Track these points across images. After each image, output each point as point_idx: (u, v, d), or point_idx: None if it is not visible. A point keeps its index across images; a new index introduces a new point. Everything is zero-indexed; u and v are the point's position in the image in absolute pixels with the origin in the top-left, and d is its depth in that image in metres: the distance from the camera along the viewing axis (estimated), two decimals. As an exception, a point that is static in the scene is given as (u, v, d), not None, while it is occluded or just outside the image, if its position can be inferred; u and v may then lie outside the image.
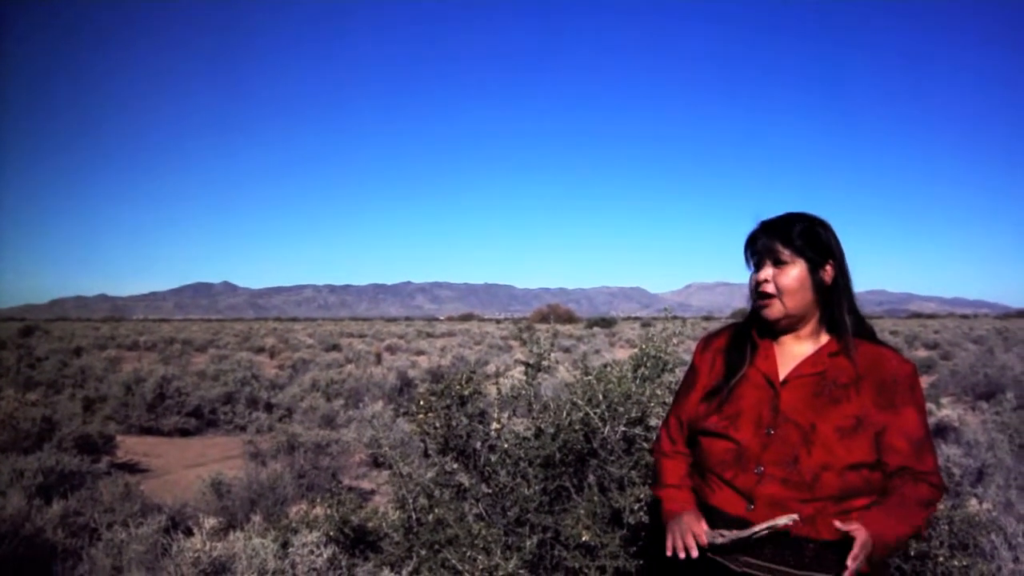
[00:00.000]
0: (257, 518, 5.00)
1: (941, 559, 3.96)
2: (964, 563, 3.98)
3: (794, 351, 2.55)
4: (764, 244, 2.53)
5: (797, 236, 2.50)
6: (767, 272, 2.52)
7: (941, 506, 4.15)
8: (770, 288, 2.50)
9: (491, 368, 17.84)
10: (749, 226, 2.63)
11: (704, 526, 2.41)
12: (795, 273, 2.48)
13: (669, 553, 2.42)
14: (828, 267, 2.53)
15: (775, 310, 2.51)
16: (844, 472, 2.31)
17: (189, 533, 4.53)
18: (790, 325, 2.55)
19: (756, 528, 2.28)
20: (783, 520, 2.24)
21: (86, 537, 5.78)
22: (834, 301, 2.54)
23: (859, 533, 2.20)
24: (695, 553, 2.36)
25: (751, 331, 2.65)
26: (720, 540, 2.34)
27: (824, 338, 2.56)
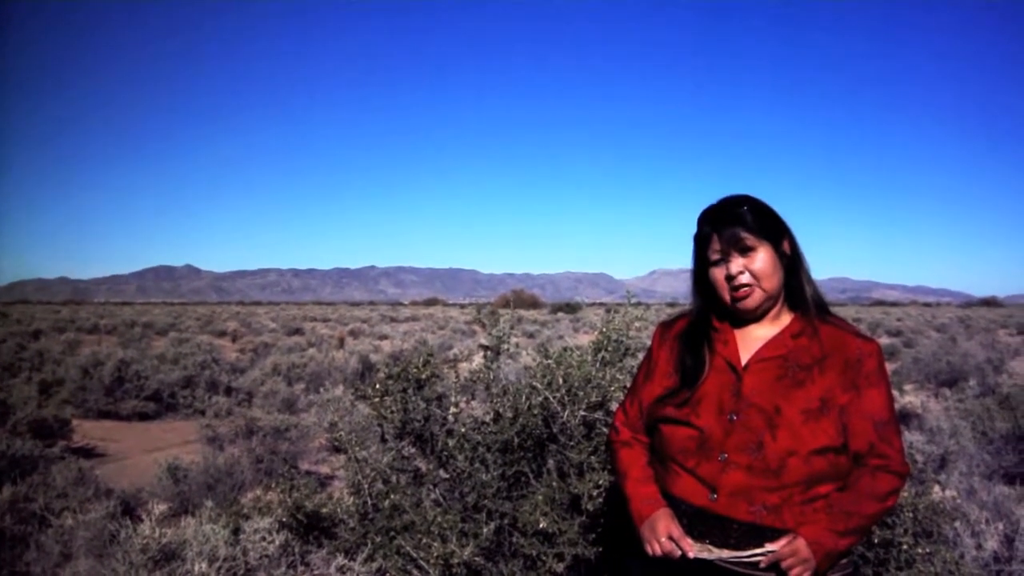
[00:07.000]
0: (210, 504, 4.89)
1: (905, 546, 3.96)
2: (928, 550, 3.98)
3: (755, 334, 2.47)
4: (727, 234, 2.42)
5: (753, 218, 2.41)
6: (738, 263, 2.41)
7: (905, 493, 4.13)
8: (746, 278, 2.40)
9: (454, 352, 17.81)
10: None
11: (687, 539, 2.30)
12: (764, 256, 2.40)
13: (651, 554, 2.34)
14: (785, 242, 2.46)
15: (755, 298, 2.41)
16: (810, 457, 2.24)
17: (141, 519, 4.41)
18: (766, 311, 2.47)
19: (746, 554, 2.22)
20: (768, 548, 2.20)
21: (36, 523, 5.66)
22: (795, 274, 2.48)
23: (789, 548, 2.18)
24: (677, 555, 2.28)
25: (710, 320, 2.56)
26: (707, 556, 2.26)
27: (786, 318, 2.49)
